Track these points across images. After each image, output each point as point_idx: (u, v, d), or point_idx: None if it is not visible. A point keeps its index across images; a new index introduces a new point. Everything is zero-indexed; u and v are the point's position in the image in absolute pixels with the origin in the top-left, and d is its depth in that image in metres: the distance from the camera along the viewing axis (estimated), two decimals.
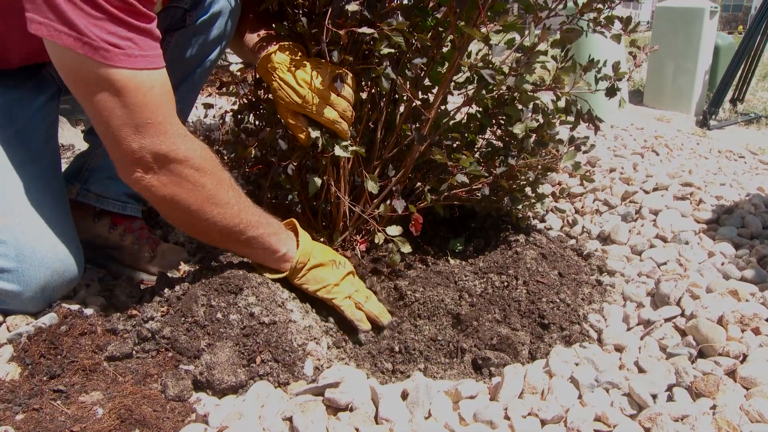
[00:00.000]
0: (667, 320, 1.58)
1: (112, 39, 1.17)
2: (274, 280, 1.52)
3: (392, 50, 1.59)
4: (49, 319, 1.37)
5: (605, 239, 2.17)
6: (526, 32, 1.73)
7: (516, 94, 1.77)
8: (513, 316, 1.60)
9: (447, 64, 1.80)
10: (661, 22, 5.47)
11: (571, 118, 1.90)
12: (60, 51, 1.19)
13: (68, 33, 1.15)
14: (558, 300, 1.65)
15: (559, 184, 2.56)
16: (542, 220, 2.33)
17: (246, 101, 1.85)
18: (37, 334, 1.32)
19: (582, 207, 2.42)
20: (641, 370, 1.40)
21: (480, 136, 1.99)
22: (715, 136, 4.81)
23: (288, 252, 1.52)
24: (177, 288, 1.44)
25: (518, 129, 1.75)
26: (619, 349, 1.53)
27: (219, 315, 1.34)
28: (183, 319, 1.35)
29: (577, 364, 1.38)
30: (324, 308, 1.60)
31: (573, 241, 2.17)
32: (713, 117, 5.32)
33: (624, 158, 2.96)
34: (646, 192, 2.37)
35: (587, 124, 1.90)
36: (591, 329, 1.62)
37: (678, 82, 5.51)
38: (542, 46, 1.75)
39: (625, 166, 2.72)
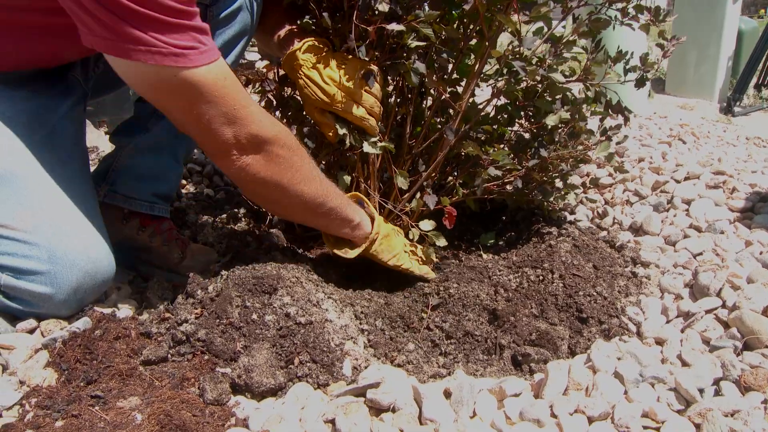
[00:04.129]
0: (708, 312, 1.54)
1: (179, 42, 1.20)
2: (353, 257, 1.62)
3: (420, 43, 1.56)
4: (83, 323, 1.36)
5: (637, 230, 2.13)
6: (555, 22, 1.71)
7: (546, 85, 1.74)
8: (550, 310, 1.57)
9: (474, 57, 1.77)
10: (683, 8, 5.38)
11: (600, 108, 1.86)
12: (130, 65, 1.21)
13: (136, 47, 1.16)
14: (595, 293, 1.62)
15: (587, 174, 2.52)
16: (572, 212, 2.29)
17: (271, 98, 1.83)
18: (72, 338, 1.31)
19: (612, 198, 2.38)
20: (685, 364, 1.36)
21: (509, 128, 1.96)
22: (741, 123, 4.73)
23: (362, 221, 1.62)
24: (210, 289, 1.42)
25: (551, 120, 1.72)
26: (659, 342, 1.50)
27: (254, 316, 1.32)
28: (218, 320, 1.33)
29: (619, 359, 1.35)
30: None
31: (604, 233, 2.13)
32: (738, 103, 5.23)
33: (651, 147, 2.91)
34: (677, 181, 2.33)
35: (617, 114, 1.87)
36: (630, 322, 1.59)
37: (701, 69, 5.42)
38: (570, 36, 1.72)
39: (654, 155, 2.68)
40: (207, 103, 1.28)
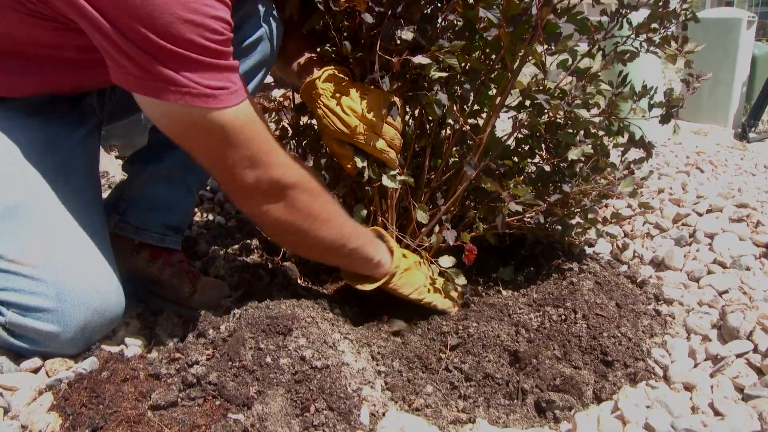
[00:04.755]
0: (738, 356, 1.49)
1: (211, 83, 1.16)
2: (371, 289, 1.58)
3: (443, 74, 1.52)
4: (89, 364, 1.31)
5: (659, 265, 2.08)
6: (579, 55, 1.66)
7: (570, 119, 1.69)
8: (574, 352, 1.51)
9: (496, 88, 1.73)
10: (696, 33, 5.34)
11: (622, 140, 1.82)
12: (159, 105, 1.17)
13: (166, 87, 1.13)
14: (620, 334, 1.56)
15: (606, 206, 2.47)
16: (590, 245, 2.24)
17: (288, 127, 1.79)
18: (78, 380, 1.25)
19: (632, 230, 2.32)
20: (718, 414, 1.31)
21: (529, 161, 1.91)
22: (756, 149, 4.67)
23: (382, 258, 1.57)
24: (222, 329, 1.37)
25: (574, 154, 1.67)
26: (688, 387, 1.44)
27: (268, 359, 1.27)
28: (230, 363, 1.28)
29: (648, 407, 1.30)
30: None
31: (625, 267, 2.07)
32: (752, 129, 5.17)
33: (669, 177, 2.86)
34: (699, 214, 2.27)
35: (639, 148, 1.82)
36: (656, 366, 1.53)
37: (714, 94, 5.36)
38: (594, 67, 1.68)
39: (673, 186, 2.63)
40: (233, 146, 1.24)
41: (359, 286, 1.59)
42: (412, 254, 1.69)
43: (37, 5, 1.21)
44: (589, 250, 2.20)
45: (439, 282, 1.72)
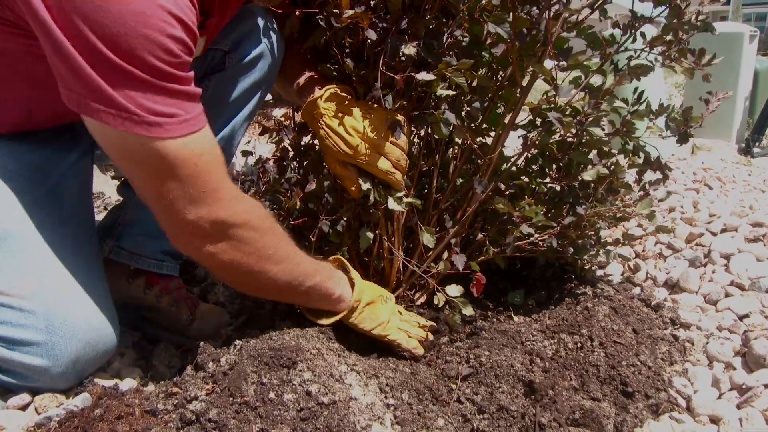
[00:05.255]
0: (767, 386, 1.41)
1: (157, 107, 1.06)
2: (328, 324, 1.46)
3: (450, 92, 1.46)
4: (81, 400, 1.24)
5: (673, 287, 2.01)
6: (591, 71, 1.60)
7: (584, 138, 1.63)
8: (592, 383, 1.43)
9: (504, 105, 1.67)
10: (698, 47, 5.30)
11: (638, 160, 1.75)
12: (99, 126, 1.07)
13: (106, 110, 1.03)
14: (639, 363, 1.49)
15: (615, 227, 2.40)
16: (601, 267, 2.17)
17: (289, 148, 1.72)
18: (69, 418, 1.18)
19: (643, 251, 2.25)
20: None
21: (539, 180, 1.84)
22: (761, 165, 4.61)
23: (342, 293, 1.45)
24: (222, 361, 1.29)
25: (589, 175, 1.60)
26: (714, 420, 1.37)
27: (272, 394, 1.19)
28: (231, 399, 1.20)
29: None
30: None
31: (638, 290, 2.00)
32: (756, 144, 5.13)
33: (678, 194, 2.80)
34: (713, 234, 2.20)
35: (655, 170, 1.76)
36: (679, 396, 1.46)
37: (717, 109, 5.32)
38: (608, 82, 1.62)
39: (684, 204, 2.56)
40: (174, 180, 1.12)
41: (318, 321, 1.47)
42: (377, 287, 1.58)
43: (3, 11, 1.13)
44: (599, 272, 2.14)
45: (407, 318, 1.62)
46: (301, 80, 1.54)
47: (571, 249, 1.78)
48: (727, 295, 1.86)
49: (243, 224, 1.23)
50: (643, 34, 1.63)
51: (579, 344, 1.54)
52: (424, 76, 1.39)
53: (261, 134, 1.74)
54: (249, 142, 2.59)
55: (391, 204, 1.50)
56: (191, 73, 1.11)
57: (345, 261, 1.53)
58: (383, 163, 1.47)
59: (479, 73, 1.59)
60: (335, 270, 1.49)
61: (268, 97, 1.99)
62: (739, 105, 5.34)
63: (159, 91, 1.05)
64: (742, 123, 5.44)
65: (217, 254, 1.22)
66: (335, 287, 1.44)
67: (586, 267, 1.88)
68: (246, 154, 1.86)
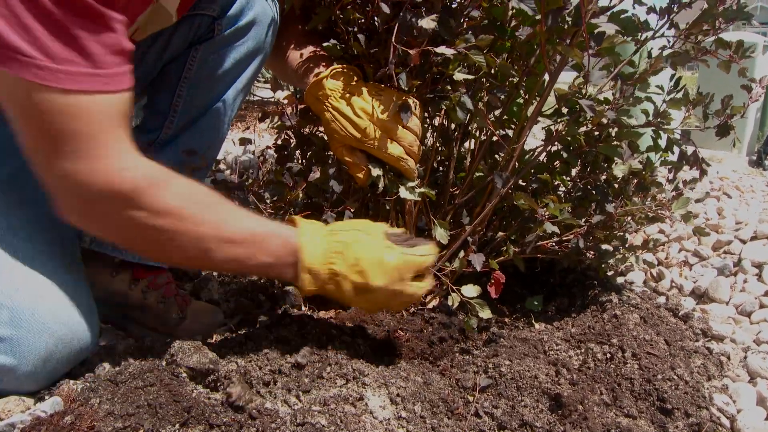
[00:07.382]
0: None
1: (59, 52, 0.90)
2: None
3: (468, 75, 1.32)
4: (50, 405, 1.08)
5: (701, 296, 1.87)
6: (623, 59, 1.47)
7: (613, 130, 1.49)
8: (625, 398, 1.29)
9: (527, 94, 1.53)
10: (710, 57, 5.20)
11: (672, 157, 1.62)
12: None
13: None
14: (675, 377, 1.34)
15: (636, 232, 2.26)
16: (622, 273, 2.02)
17: (291, 134, 1.58)
18: (35, 426, 1.03)
19: (666, 258, 2.11)
20: None
21: (564, 177, 1.70)
22: None
23: (278, 260, 1.17)
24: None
25: (619, 170, 1.46)
26: None
27: (268, 404, 1.05)
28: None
29: None
30: None
31: (663, 299, 1.86)
32: None
33: (700, 202, 2.66)
34: (743, 241, 2.06)
35: (691, 167, 1.62)
36: (722, 415, 1.31)
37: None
38: (641, 66, 1.49)
39: (709, 211, 2.43)
40: (53, 139, 0.96)
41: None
42: (353, 221, 1.33)
43: None
44: (620, 279, 1.99)
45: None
46: (303, 60, 1.40)
47: (593, 252, 1.64)
48: (761, 306, 1.73)
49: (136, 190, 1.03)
50: (676, 25, 1.50)
51: (609, 355, 1.39)
52: (443, 49, 1.25)
53: (261, 120, 1.61)
54: (248, 128, 2.44)
55: (403, 193, 1.37)
56: (117, 16, 0.95)
57: (296, 218, 1.25)
58: (395, 149, 1.33)
59: (499, 59, 1.45)
60: (276, 230, 1.19)
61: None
62: (750, 116, 5.24)
63: (64, 30, 0.90)
64: (753, 135, 5.34)
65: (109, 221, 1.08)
66: (267, 256, 1.16)
67: (615, 272, 1.74)
68: (245, 141, 1.72)
